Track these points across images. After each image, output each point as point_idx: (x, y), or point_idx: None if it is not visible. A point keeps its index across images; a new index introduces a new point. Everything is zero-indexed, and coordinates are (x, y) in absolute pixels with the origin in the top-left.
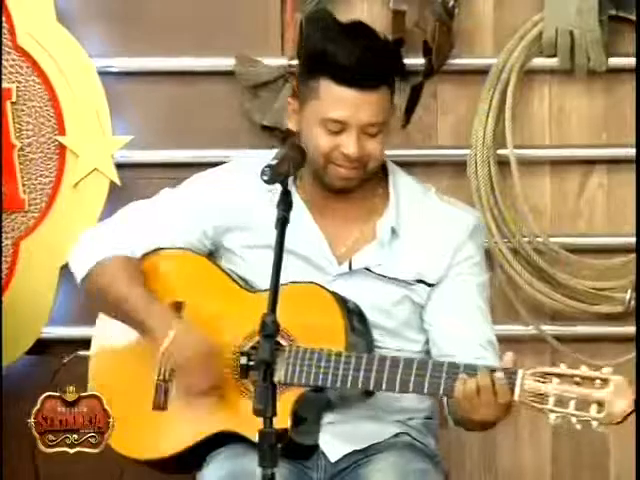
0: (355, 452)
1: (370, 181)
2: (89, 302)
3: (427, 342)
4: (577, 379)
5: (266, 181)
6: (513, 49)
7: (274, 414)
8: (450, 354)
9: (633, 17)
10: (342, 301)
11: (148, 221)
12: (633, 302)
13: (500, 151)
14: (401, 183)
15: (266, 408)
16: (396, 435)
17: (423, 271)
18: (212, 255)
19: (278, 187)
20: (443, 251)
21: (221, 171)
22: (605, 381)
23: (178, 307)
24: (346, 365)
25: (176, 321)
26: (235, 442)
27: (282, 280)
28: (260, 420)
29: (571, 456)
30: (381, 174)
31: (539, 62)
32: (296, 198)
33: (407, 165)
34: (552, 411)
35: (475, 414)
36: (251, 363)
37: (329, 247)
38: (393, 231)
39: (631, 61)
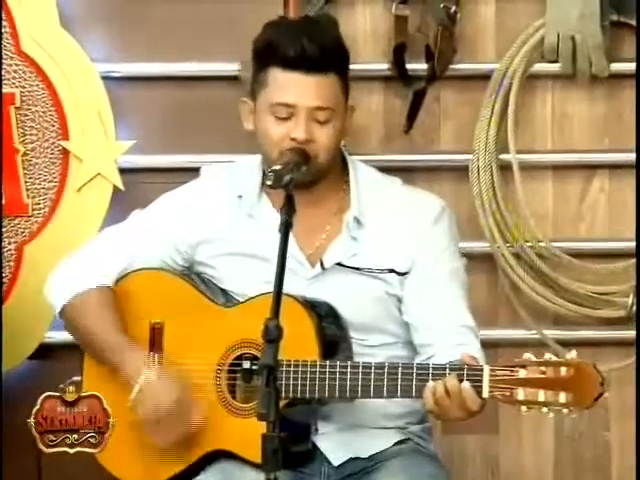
0: (359, 459)
1: (332, 179)
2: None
3: (408, 333)
4: (543, 368)
5: (270, 185)
6: (515, 54)
7: (277, 418)
8: (429, 343)
9: (635, 22)
10: (312, 307)
11: (121, 245)
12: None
13: (502, 156)
14: (362, 175)
15: (269, 412)
16: (399, 442)
17: (393, 260)
18: (188, 270)
19: (247, 193)
20: (409, 238)
21: (188, 186)
22: (570, 366)
23: (158, 329)
24: (322, 374)
25: (146, 368)
26: (228, 458)
27: (258, 289)
28: (250, 437)
29: (573, 461)
30: (342, 171)
31: (541, 67)
32: (266, 204)
33: (409, 170)
34: (522, 403)
35: (445, 416)
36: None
37: (300, 250)
38: (357, 221)
39: (633, 67)
